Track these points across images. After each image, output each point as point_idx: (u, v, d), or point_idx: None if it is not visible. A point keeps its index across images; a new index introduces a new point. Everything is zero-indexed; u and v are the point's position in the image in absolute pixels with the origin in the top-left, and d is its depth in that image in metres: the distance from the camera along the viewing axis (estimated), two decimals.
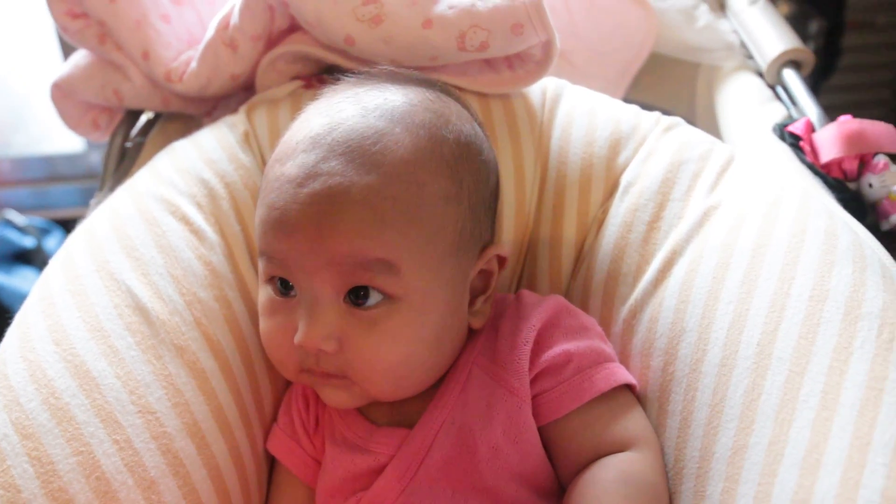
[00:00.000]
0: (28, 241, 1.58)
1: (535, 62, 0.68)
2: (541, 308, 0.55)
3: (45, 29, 1.63)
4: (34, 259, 1.59)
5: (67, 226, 1.82)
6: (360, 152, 0.48)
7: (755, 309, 0.49)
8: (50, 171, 1.82)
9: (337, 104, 0.52)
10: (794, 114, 0.78)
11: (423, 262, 0.49)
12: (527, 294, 0.58)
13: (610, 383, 0.52)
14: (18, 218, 1.59)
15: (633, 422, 0.52)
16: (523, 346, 0.53)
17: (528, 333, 0.53)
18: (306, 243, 0.48)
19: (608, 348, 0.56)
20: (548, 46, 0.66)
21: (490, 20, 0.63)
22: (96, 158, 1.77)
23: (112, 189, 0.74)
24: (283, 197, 0.48)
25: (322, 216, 0.47)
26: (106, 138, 0.83)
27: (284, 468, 0.58)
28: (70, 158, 1.80)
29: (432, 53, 0.66)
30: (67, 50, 1.64)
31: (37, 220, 1.66)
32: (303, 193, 0.47)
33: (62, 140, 1.80)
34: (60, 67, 0.81)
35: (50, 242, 1.64)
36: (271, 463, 0.59)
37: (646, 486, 0.48)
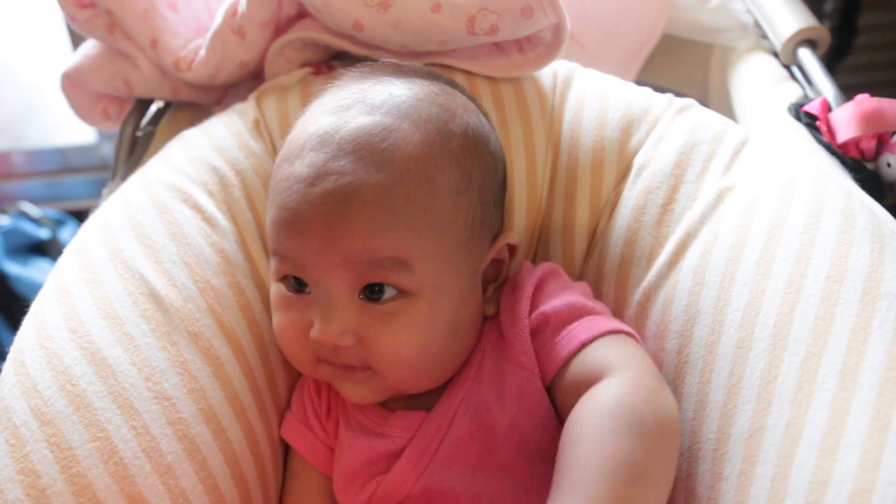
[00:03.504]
0: (43, 233, 1.60)
1: (545, 45, 0.67)
2: (531, 277, 0.55)
3: (56, 20, 1.63)
4: (49, 250, 1.61)
5: (81, 217, 1.82)
6: (370, 150, 0.48)
7: (771, 290, 0.48)
8: (63, 162, 1.83)
9: (343, 101, 0.51)
10: (810, 93, 0.77)
11: (436, 256, 0.49)
12: (525, 265, 0.58)
13: (591, 333, 0.50)
14: (33, 210, 1.61)
15: (614, 351, 0.49)
16: (523, 320, 0.53)
17: (525, 305, 0.53)
18: (319, 243, 0.48)
19: (592, 302, 0.54)
20: (558, 29, 0.65)
21: (499, 3, 0.62)
22: (109, 149, 1.78)
23: (124, 179, 0.74)
24: (294, 197, 0.48)
25: (334, 216, 0.47)
26: (117, 128, 0.83)
27: (298, 455, 0.58)
28: (83, 150, 1.81)
29: (441, 38, 0.65)
30: (77, 41, 1.64)
31: (51, 211, 1.67)
32: (314, 193, 0.47)
33: (74, 131, 1.81)
34: (70, 58, 0.81)
35: (65, 234, 1.65)
36: (286, 449, 0.59)
37: (623, 408, 0.43)
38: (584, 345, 0.50)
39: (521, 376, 0.52)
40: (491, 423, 0.51)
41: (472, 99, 0.59)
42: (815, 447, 0.41)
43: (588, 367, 0.49)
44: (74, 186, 1.83)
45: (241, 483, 0.51)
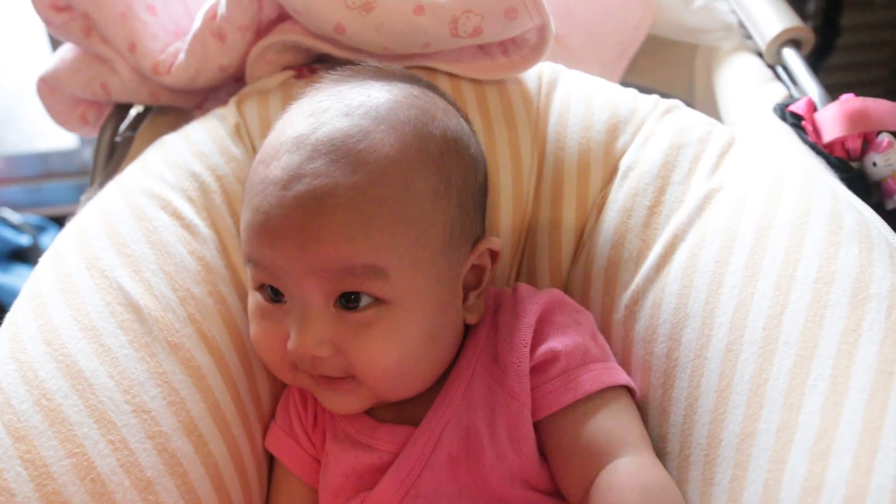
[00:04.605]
0: (24, 239, 1.57)
1: (529, 47, 0.66)
2: (535, 304, 0.54)
3: (36, 24, 1.60)
4: (31, 257, 1.58)
5: (63, 223, 1.80)
6: (345, 151, 0.47)
7: (760, 292, 0.48)
8: (44, 168, 1.81)
9: (320, 103, 0.50)
10: (795, 93, 0.77)
11: (413, 263, 0.48)
12: (523, 288, 0.57)
13: (597, 384, 0.50)
14: (13, 216, 1.58)
15: (626, 422, 0.50)
16: (522, 349, 0.52)
17: (526, 334, 0.52)
18: (292, 250, 0.47)
19: (596, 348, 0.53)
20: (543, 31, 0.64)
21: (483, 5, 0.62)
22: (90, 154, 1.75)
23: (102, 185, 0.73)
24: (268, 200, 0.47)
25: (307, 221, 0.46)
26: (95, 133, 0.82)
27: (283, 467, 0.57)
28: (64, 155, 1.79)
29: (425, 40, 0.65)
30: (57, 45, 1.62)
31: (32, 217, 1.65)
32: (288, 196, 0.46)
33: (55, 137, 1.78)
34: (46, 62, 0.79)
35: (46, 240, 1.62)
36: (271, 461, 0.58)
37: (666, 490, 0.46)
38: (587, 396, 0.50)
39: (513, 408, 0.50)
40: (480, 449, 0.50)
41: (453, 103, 0.58)
42: (807, 451, 0.40)
43: (600, 436, 0.49)
44: (56, 192, 1.80)
45: (224, 497, 0.50)
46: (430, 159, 0.49)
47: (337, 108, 0.49)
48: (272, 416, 0.59)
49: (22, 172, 1.80)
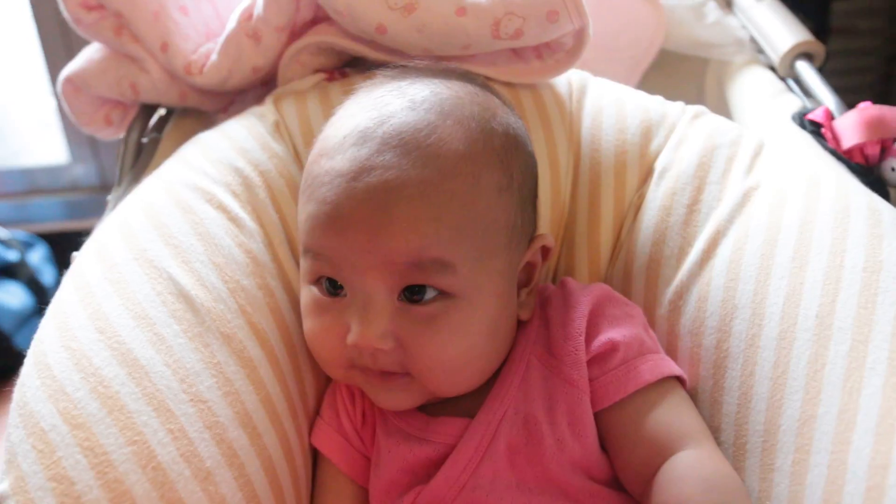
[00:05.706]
0: (11, 255, 1.53)
1: (565, 51, 0.68)
2: (587, 296, 0.55)
3: (26, 41, 1.58)
4: (18, 273, 1.54)
5: (51, 239, 1.77)
6: (415, 145, 0.47)
7: (810, 282, 0.49)
8: (30, 184, 1.77)
9: (381, 98, 0.51)
10: (808, 104, 0.80)
11: (479, 257, 0.48)
12: (571, 282, 0.58)
13: (656, 374, 0.51)
14: (1, 231, 1.54)
15: (686, 414, 0.51)
16: (578, 337, 0.52)
17: (580, 323, 0.53)
18: (360, 241, 0.46)
19: (649, 339, 0.54)
20: (580, 34, 0.66)
21: (525, 7, 0.63)
22: (80, 171, 1.73)
23: (130, 186, 0.72)
24: (336, 191, 0.47)
25: (377, 212, 0.46)
26: (118, 135, 0.81)
27: (330, 464, 0.56)
28: (52, 171, 1.76)
29: (465, 42, 0.66)
30: (51, 60, 1.61)
31: (19, 233, 1.61)
32: (358, 188, 0.46)
33: (42, 153, 1.75)
34: (73, 62, 0.79)
35: (33, 256, 1.59)
36: (315, 457, 0.57)
37: (728, 480, 0.46)
38: (647, 386, 0.50)
39: (572, 396, 0.51)
40: (539, 438, 0.50)
41: (507, 101, 0.59)
42: (871, 432, 0.41)
43: (660, 428, 0.49)
44: (43, 208, 1.76)
45: (277, 492, 0.49)
46: (495, 155, 0.50)
47: (400, 102, 0.49)
48: (316, 411, 0.58)
49: (7, 188, 1.77)
